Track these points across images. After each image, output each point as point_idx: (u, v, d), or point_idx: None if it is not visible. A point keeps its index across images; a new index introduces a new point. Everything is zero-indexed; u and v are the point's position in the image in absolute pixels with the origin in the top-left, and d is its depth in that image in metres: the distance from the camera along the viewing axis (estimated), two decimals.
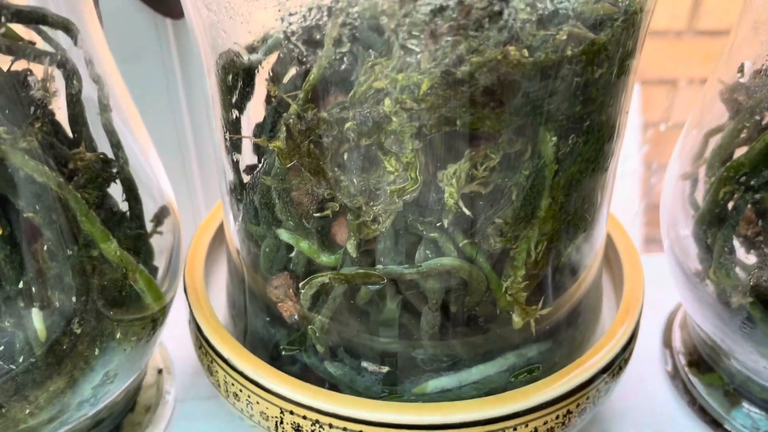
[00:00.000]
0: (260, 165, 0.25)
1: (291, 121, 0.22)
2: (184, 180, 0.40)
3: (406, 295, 0.26)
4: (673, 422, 0.35)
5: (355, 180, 0.23)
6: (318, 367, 0.28)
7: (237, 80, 0.25)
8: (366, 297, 0.26)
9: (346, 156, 0.22)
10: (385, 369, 0.27)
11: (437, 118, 0.21)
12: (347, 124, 0.21)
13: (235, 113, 0.26)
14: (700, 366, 0.36)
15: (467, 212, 0.23)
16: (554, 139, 0.22)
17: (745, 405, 0.34)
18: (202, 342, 0.31)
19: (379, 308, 0.26)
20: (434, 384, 0.27)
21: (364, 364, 0.27)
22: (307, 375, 0.28)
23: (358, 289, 0.26)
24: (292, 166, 0.24)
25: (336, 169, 0.23)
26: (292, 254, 0.27)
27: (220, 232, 0.36)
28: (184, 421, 0.35)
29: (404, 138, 0.21)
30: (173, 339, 0.39)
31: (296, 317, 0.27)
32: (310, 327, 0.27)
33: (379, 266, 0.25)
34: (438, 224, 0.24)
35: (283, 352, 0.29)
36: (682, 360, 0.37)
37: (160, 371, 0.36)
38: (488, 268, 0.25)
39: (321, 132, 0.22)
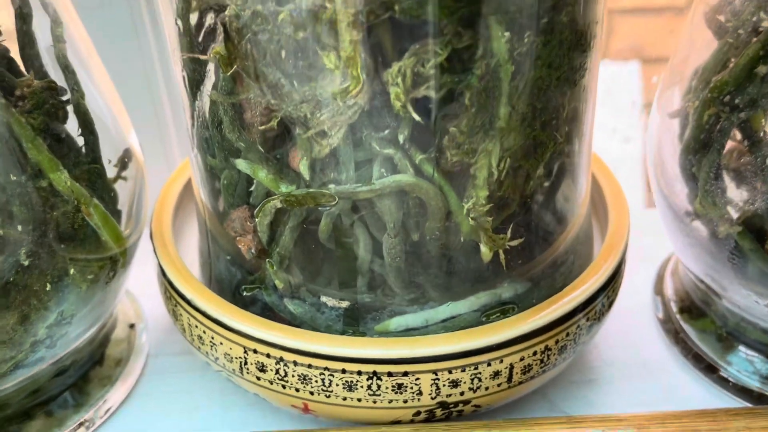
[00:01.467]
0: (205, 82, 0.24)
1: (227, 20, 0.21)
2: (158, 131, 0.39)
3: (364, 222, 0.25)
4: (664, 370, 0.34)
5: (296, 84, 0.22)
6: (278, 306, 0.27)
7: None
8: (325, 229, 0.25)
9: (284, 55, 0.21)
10: (345, 303, 0.26)
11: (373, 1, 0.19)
12: (281, 15, 0.20)
13: (188, 34, 0.25)
14: (691, 312, 0.35)
15: (416, 117, 0.22)
16: (507, 34, 0.21)
17: (742, 349, 0.32)
18: (166, 286, 0.30)
19: (337, 240, 0.25)
20: (398, 322, 0.26)
21: (324, 299, 0.26)
22: (269, 317, 0.27)
23: (316, 221, 0.25)
24: (237, 80, 0.22)
25: (278, 73, 0.22)
26: (252, 188, 0.26)
27: (189, 185, 0.35)
28: (156, 375, 0.34)
29: (341, 27, 0.20)
30: (148, 297, 0.38)
31: (254, 251, 0.26)
32: (268, 260, 0.26)
33: (332, 186, 0.24)
34: (393, 139, 0.23)
35: (245, 293, 0.28)
36: (673, 307, 0.35)
37: (132, 326, 0.35)
38: (447, 187, 0.24)
39: (258, 28, 0.21)
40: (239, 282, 0.28)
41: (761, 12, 0.25)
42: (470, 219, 0.24)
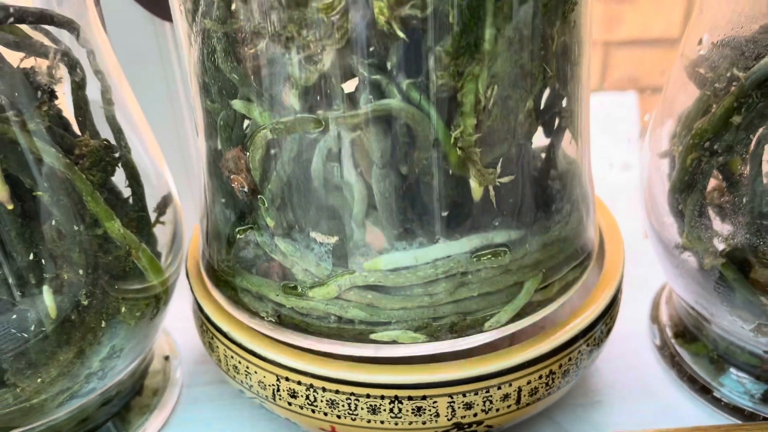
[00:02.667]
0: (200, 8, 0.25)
1: None
2: (186, 181, 0.42)
3: (354, 156, 0.25)
4: (662, 391, 0.36)
5: (283, 2, 0.22)
6: (269, 245, 0.28)
7: None
8: (316, 165, 0.25)
9: None
10: (334, 239, 0.26)
11: None
12: None
13: None
14: (685, 336, 0.37)
15: (401, 35, 0.22)
16: None
17: (733, 371, 0.35)
18: (203, 320, 0.32)
19: (327, 176, 0.26)
20: (387, 259, 0.26)
21: (313, 234, 0.27)
22: (259, 264, 0.29)
23: (308, 159, 0.25)
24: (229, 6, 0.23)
25: None
26: (247, 129, 0.27)
27: None
28: (189, 404, 0.37)
29: None
30: (180, 330, 0.40)
31: (246, 189, 0.27)
32: (259, 197, 0.26)
33: (320, 112, 0.24)
34: (380, 65, 0.23)
35: (238, 235, 0.29)
36: (668, 332, 0.38)
37: (166, 358, 0.38)
38: (435, 114, 0.23)
39: None
40: (233, 225, 0.29)
41: (734, 68, 0.29)
42: (458, 149, 0.24)
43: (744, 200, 0.29)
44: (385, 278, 0.27)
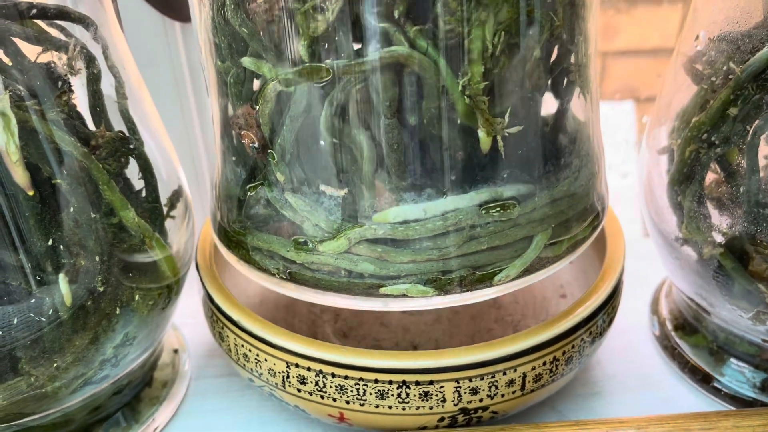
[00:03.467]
0: None
1: None
2: (195, 181, 0.43)
3: (363, 109, 0.25)
4: (662, 382, 0.37)
5: None
6: (279, 200, 0.28)
7: None
8: (326, 119, 0.25)
9: None
10: (343, 192, 0.26)
11: None
12: None
13: None
14: (685, 329, 0.38)
15: None
16: None
17: (733, 361, 0.36)
18: (213, 310, 0.33)
19: (336, 129, 0.26)
20: (396, 212, 0.26)
21: (323, 187, 0.27)
22: (270, 221, 0.29)
23: (317, 112, 0.26)
24: None
25: None
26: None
27: None
28: (198, 396, 0.37)
29: None
30: (188, 326, 0.41)
31: (257, 145, 0.27)
32: (269, 152, 0.27)
33: (327, 60, 0.24)
34: (388, 14, 0.23)
35: (249, 191, 0.29)
36: (668, 325, 0.39)
37: (176, 351, 0.39)
38: (442, 61, 0.24)
39: None
40: (244, 183, 0.29)
41: (731, 62, 0.30)
42: (466, 97, 0.24)
43: (741, 190, 0.30)
44: (394, 231, 0.27)
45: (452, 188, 0.26)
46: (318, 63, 0.25)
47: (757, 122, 0.29)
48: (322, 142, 0.26)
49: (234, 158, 0.29)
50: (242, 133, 0.27)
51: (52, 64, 0.27)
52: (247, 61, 0.26)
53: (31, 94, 0.26)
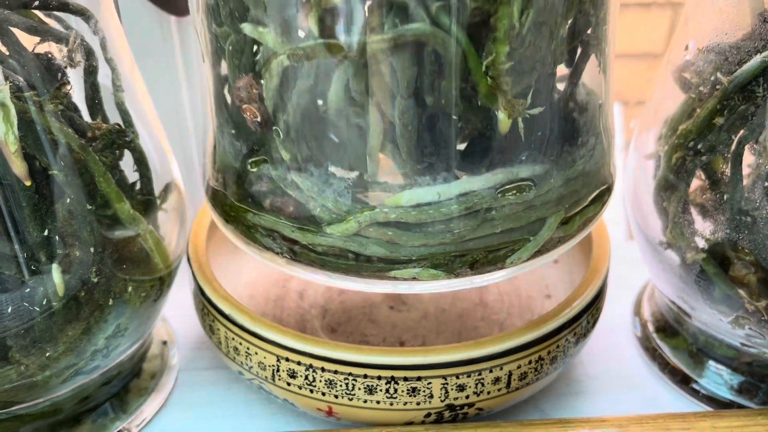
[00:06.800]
0: None
1: None
2: (187, 174, 0.43)
3: (376, 84, 0.24)
4: (643, 383, 0.38)
5: None
6: (284, 180, 0.26)
7: None
8: (335, 96, 0.24)
9: None
10: (354, 174, 0.25)
11: None
12: None
13: None
14: (666, 331, 0.39)
15: None
16: None
17: (712, 363, 0.36)
18: (204, 303, 0.33)
19: (347, 106, 0.24)
20: (409, 195, 0.25)
21: (332, 169, 0.25)
22: (273, 198, 0.28)
23: (326, 88, 0.24)
24: None
25: None
26: (258, 56, 0.26)
27: None
28: (186, 388, 0.38)
29: None
30: (177, 318, 0.41)
31: (259, 119, 0.25)
32: (274, 128, 0.25)
33: (341, 37, 0.23)
34: None
35: (252, 168, 0.27)
36: (650, 327, 0.40)
37: (164, 343, 0.39)
38: (465, 40, 0.22)
39: None
40: (245, 157, 0.28)
41: (718, 73, 0.30)
42: (489, 78, 0.23)
43: (725, 197, 0.31)
44: (407, 214, 0.25)
45: (467, 170, 0.25)
46: (330, 38, 0.23)
47: (741, 132, 0.30)
48: (331, 121, 0.25)
49: (233, 131, 0.27)
50: (244, 107, 0.25)
51: (51, 56, 0.27)
52: (247, 28, 0.24)
53: (30, 86, 0.26)
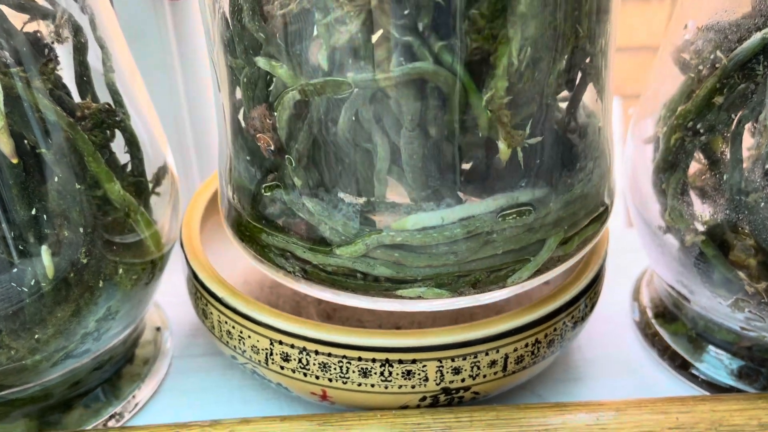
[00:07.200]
0: None
1: None
2: (181, 157, 0.43)
3: (382, 118, 0.25)
4: (642, 368, 0.37)
5: None
6: (296, 204, 0.28)
7: None
8: (345, 125, 0.25)
9: None
10: (362, 200, 0.26)
11: None
12: None
13: None
14: (665, 316, 0.38)
15: None
16: None
17: (711, 348, 0.36)
18: (197, 287, 0.33)
19: (355, 136, 0.26)
20: (414, 220, 0.27)
21: (341, 195, 0.27)
22: (285, 220, 0.29)
23: (336, 118, 0.25)
24: None
25: None
26: (271, 87, 0.27)
27: (215, 198, 0.38)
28: (180, 374, 0.37)
29: None
30: (171, 305, 0.41)
31: (273, 148, 0.27)
32: (287, 157, 0.27)
33: (349, 74, 0.24)
34: (412, 27, 0.23)
35: (265, 192, 0.29)
36: (649, 313, 0.39)
37: (158, 329, 0.38)
38: (467, 77, 0.24)
39: None
40: (259, 182, 0.29)
41: (718, 51, 0.30)
42: (489, 111, 0.24)
43: (724, 178, 0.30)
44: (411, 237, 0.27)
45: (469, 196, 0.27)
46: (339, 74, 0.24)
47: (741, 111, 0.29)
48: (339, 149, 0.26)
49: (248, 158, 0.29)
50: (258, 135, 0.27)
51: (39, 34, 0.27)
52: (261, 62, 0.26)
53: (17, 62, 0.26)
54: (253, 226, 0.30)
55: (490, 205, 0.27)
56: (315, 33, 0.24)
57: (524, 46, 0.24)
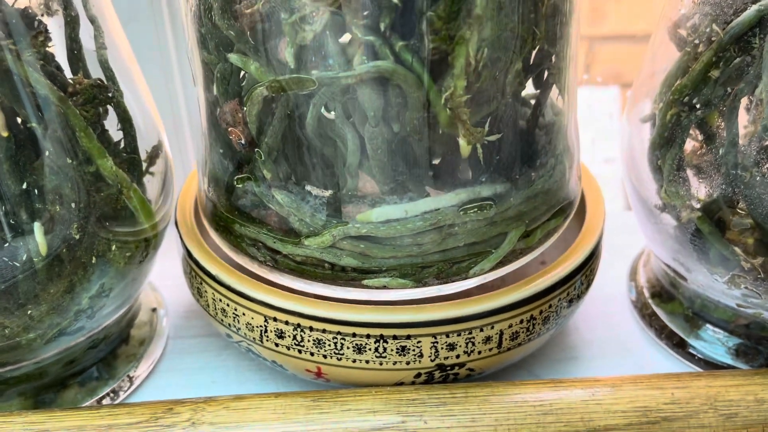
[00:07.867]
0: None
1: None
2: (176, 139, 0.43)
3: (348, 113, 0.26)
4: (639, 348, 0.37)
5: None
6: (266, 196, 0.29)
7: None
8: (312, 120, 0.26)
9: None
10: (328, 193, 0.28)
11: None
12: None
13: None
14: (662, 296, 0.38)
15: (395, 0, 0.23)
16: None
17: (708, 327, 0.36)
18: (192, 266, 0.33)
19: (322, 131, 0.27)
20: (379, 212, 0.28)
21: (309, 188, 0.28)
22: (257, 211, 0.30)
23: (303, 114, 0.26)
24: None
25: None
26: (243, 82, 0.28)
27: None
28: (175, 355, 0.37)
29: None
30: (167, 287, 0.41)
31: (243, 141, 0.28)
32: (256, 150, 0.28)
33: (314, 71, 0.25)
34: (374, 26, 0.24)
35: (237, 184, 0.30)
36: (646, 293, 0.39)
37: (153, 310, 0.38)
38: (426, 75, 0.24)
39: None
40: (231, 174, 0.30)
41: (714, 24, 0.30)
42: (448, 109, 0.25)
43: (720, 152, 0.30)
44: (376, 230, 0.28)
45: (432, 190, 0.27)
46: (305, 71, 0.25)
47: (738, 85, 0.29)
48: (307, 143, 0.27)
49: (221, 150, 0.30)
50: (229, 129, 0.28)
51: (30, 9, 0.27)
52: (233, 58, 0.27)
53: (6, 34, 0.25)
54: (227, 216, 0.31)
55: (452, 199, 0.27)
56: (282, 32, 0.25)
57: (481, 47, 0.24)
